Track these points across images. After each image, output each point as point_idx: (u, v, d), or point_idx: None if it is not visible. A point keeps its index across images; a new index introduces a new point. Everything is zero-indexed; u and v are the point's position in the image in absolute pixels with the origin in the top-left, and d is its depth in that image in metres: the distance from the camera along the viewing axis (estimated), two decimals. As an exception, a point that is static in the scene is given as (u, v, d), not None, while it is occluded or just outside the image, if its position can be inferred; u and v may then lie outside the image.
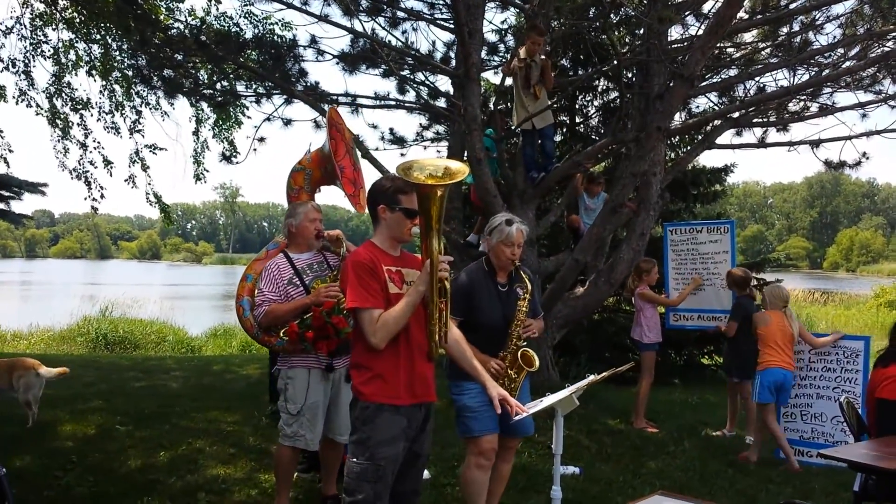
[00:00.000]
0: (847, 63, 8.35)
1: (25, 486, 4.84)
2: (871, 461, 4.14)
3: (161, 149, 14.07)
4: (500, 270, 4.26)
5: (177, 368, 11.06)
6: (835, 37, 8.76)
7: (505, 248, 4.14)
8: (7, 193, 8.55)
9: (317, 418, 4.46)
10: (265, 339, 4.57)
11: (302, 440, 4.44)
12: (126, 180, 13.81)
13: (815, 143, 8.69)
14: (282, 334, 4.38)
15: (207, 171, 14.53)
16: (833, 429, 6.86)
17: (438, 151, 12.08)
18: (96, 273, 70.61)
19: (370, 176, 4.57)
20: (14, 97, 13.63)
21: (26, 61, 13.37)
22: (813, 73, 8.67)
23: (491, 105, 10.43)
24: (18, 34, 13.23)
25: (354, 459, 3.22)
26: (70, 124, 14.11)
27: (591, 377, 3.93)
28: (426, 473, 5.03)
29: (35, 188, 8.73)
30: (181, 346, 17.27)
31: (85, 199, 14.14)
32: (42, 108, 13.91)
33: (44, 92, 13.91)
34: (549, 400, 3.69)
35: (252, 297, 4.61)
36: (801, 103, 9.37)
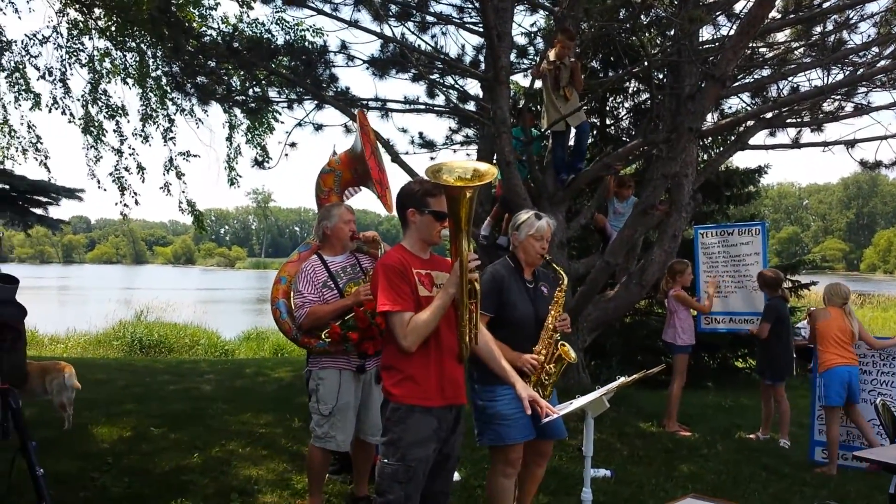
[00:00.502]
0: (882, 62, 8.21)
1: (62, 488, 4.92)
2: (907, 464, 4.08)
3: (195, 156, 14.28)
4: (526, 266, 4.19)
5: (210, 371, 11.17)
6: (869, 35, 8.63)
7: (535, 241, 4.09)
8: (45, 199, 8.69)
9: (348, 419, 4.45)
10: (305, 340, 4.53)
11: (333, 441, 4.43)
12: (161, 188, 14.03)
13: (850, 144, 8.54)
14: (324, 336, 4.36)
15: (241, 176, 14.68)
16: (869, 431, 6.75)
17: (468, 155, 12.08)
18: (132, 278, 71.67)
19: (400, 180, 4.57)
20: (48, 105, 13.89)
21: (62, 69, 13.64)
22: (847, 72, 8.54)
23: (520, 106, 10.40)
24: (55, 43, 13.51)
25: (386, 460, 3.23)
26: (104, 131, 14.35)
27: (622, 379, 3.91)
28: (456, 475, 5.03)
29: (72, 194, 8.85)
30: (214, 350, 17.46)
31: (116, 204, 14.35)
32: (75, 116, 14.15)
33: (79, 100, 14.17)
34: (580, 402, 3.67)
35: (287, 300, 4.61)
36: (836, 103, 9.22)
